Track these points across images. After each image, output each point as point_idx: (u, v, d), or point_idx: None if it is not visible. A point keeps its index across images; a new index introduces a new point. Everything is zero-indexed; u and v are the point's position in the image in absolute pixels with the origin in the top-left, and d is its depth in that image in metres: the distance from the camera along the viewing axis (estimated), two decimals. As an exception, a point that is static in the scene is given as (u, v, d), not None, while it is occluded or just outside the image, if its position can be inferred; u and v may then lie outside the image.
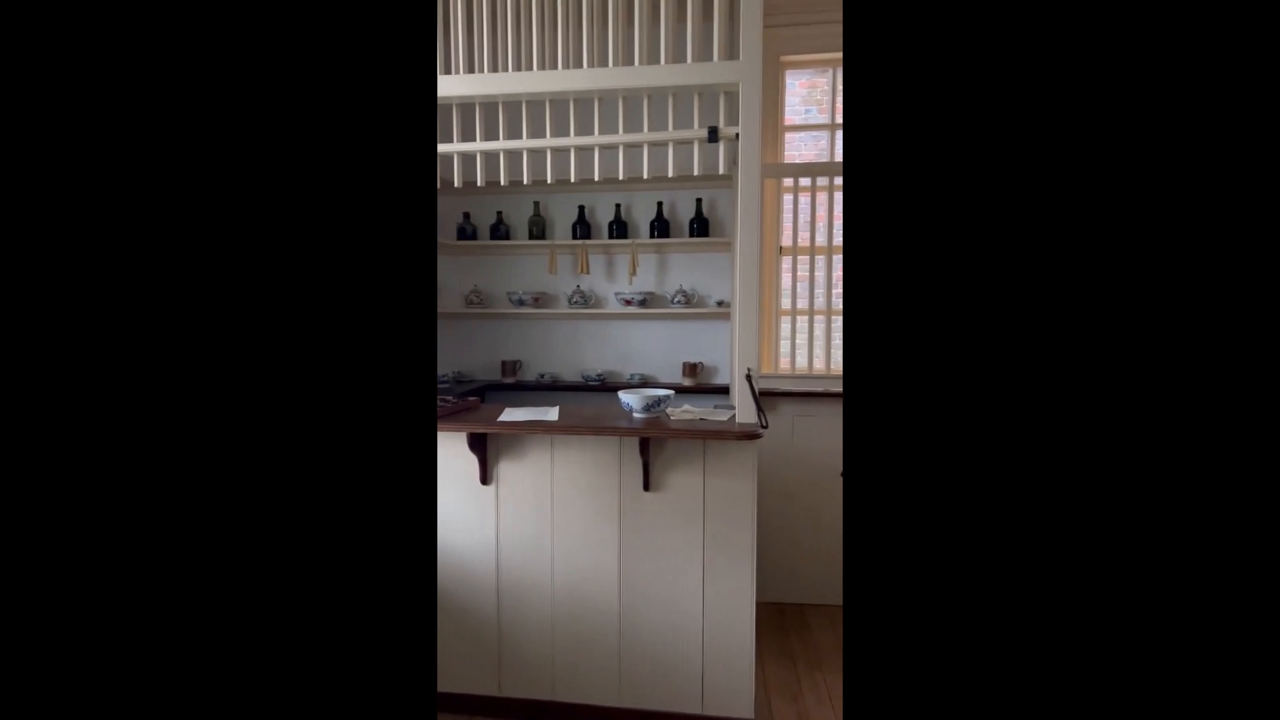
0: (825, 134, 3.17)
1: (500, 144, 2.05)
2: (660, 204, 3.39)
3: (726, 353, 3.39)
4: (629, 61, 1.98)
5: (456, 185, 2.12)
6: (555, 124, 2.05)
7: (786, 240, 3.04)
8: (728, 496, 1.91)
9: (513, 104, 2.09)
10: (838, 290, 3.00)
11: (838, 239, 2.99)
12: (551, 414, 2.02)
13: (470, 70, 2.05)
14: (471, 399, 2.26)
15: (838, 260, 3.00)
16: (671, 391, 2.06)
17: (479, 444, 1.97)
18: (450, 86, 2.01)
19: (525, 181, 2.08)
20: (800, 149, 3.21)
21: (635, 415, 1.99)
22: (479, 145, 2.06)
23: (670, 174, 2.01)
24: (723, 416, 1.97)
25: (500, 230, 3.52)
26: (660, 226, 3.38)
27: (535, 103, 2.08)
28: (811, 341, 3.05)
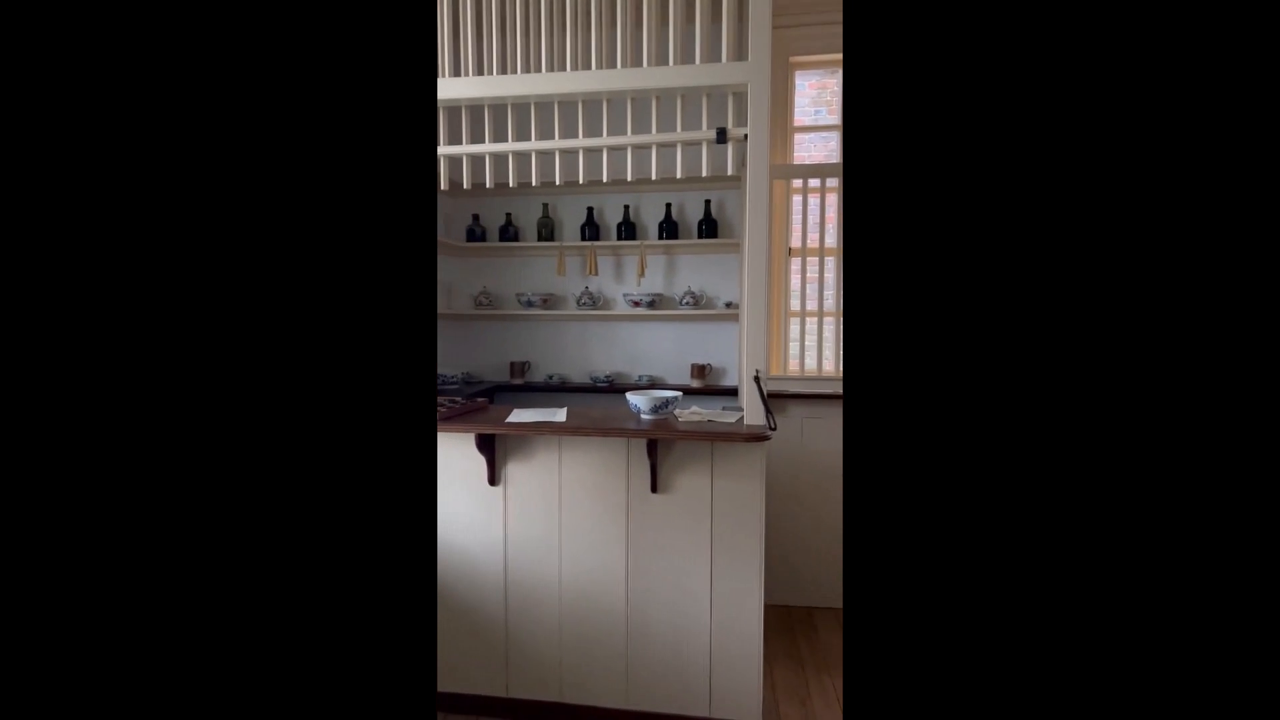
0: (835, 135, 3.15)
1: (509, 145, 2.06)
2: (669, 205, 3.39)
3: (735, 354, 3.38)
4: (637, 63, 1.98)
5: (466, 187, 2.12)
6: (564, 126, 2.06)
7: (795, 241, 3.03)
8: (736, 498, 1.90)
9: (521, 106, 2.10)
10: (847, 292, 2.98)
11: (847, 240, 2.97)
12: (559, 415, 2.02)
13: (479, 72, 2.05)
14: (480, 400, 2.27)
15: (847, 261, 2.98)
16: (679, 393, 2.06)
17: (487, 445, 1.97)
18: (459, 89, 2.02)
19: (534, 183, 2.08)
20: (809, 150, 3.20)
21: (643, 417, 1.98)
22: (488, 147, 2.07)
23: (679, 175, 2.01)
24: (731, 418, 1.96)
25: (509, 232, 3.53)
26: (669, 228, 3.38)
27: (544, 104, 2.08)
28: (821, 343, 3.04)
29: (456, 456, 2.03)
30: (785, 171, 2.95)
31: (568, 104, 2.07)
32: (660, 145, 1.98)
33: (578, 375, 3.59)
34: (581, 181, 2.05)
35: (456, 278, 3.70)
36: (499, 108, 2.11)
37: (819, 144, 3.20)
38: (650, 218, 3.47)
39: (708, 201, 3.35)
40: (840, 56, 3.03)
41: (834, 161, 3.12)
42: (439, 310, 3.45)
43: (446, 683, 2.07)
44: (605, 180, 2.04)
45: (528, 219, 3.56)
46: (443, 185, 2.17)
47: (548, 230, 3.50)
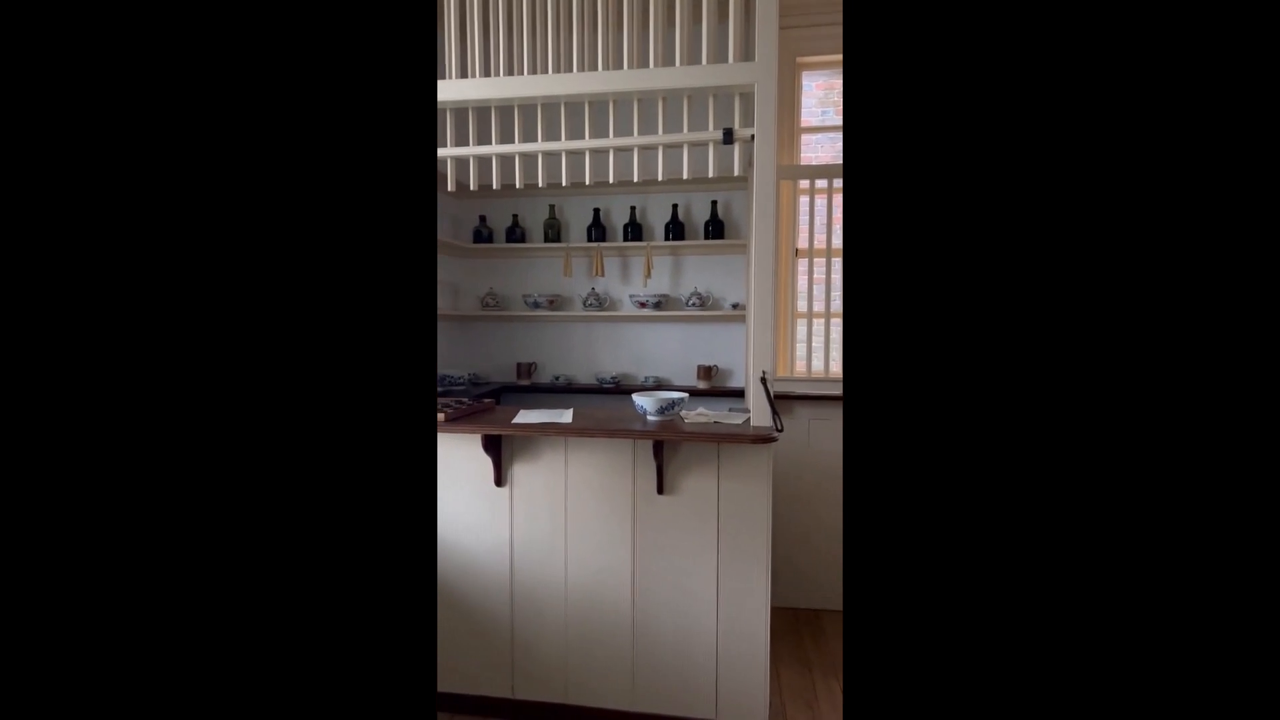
0: (841, 135, 3.14)
1: (516, 147, 2.06)
2: (675, 206, 3.39)
3: (741, 355, 3.37)
4: (644, 64, 1.98)
5: (472, 188, 2.13)
6: (570, 127, 2.06)
7: (802, 242, 3.02)
8: (742, 500, 1.89)
9: (528, 107, 2.10)
10: (854, 293, 2.97)
11: (854, 241, 2.96)
12: (566, 416, 2.02)
13: (486, 74, 2.06)
14: (486, 401, 2.27)
15: (854, 262, 2.97)
16: (685, 394, 2.06)
17: (493, 446, 1.97)
18: (466, 90, 2.02)
19: (540, 184, 2.08)
20: (816, 150, 3.19)
21: (649, 418, 1.98)
22: (495, 148, 2.07)
23: (685, 176, 2.01)
24: (737, 419, 1.95)
25: (516, 233, 3.54)
26: (675, 229, 3.38)
27: (550, 105, 2.08)
28: (828, 344, 3.03)
29: (463, 457, 2.03)
30: (792, 172, 2.94)
31: (574, 105, 2.07)
32: (666, 146, 1.98)
33: (584, 376, 3.59)
34: (588, 183, 2.05)
35: (463, 279, 3.71)
36: (505, 109, 2.11)
37: (826, 144, 3.19)
38: (656, 219, 3.46)
39: (714, 202, 3.35)
40: (847, 57, 3.02)
41: (841, 162, 3.11)
42: (446, 311, 3.46)
43: (452, 683, 2.08)
44: (611, 181, 2.04)
45: (534, 220, 3.57)
46: (450, 186, 2.17)
47: (554, 231, 3.50)
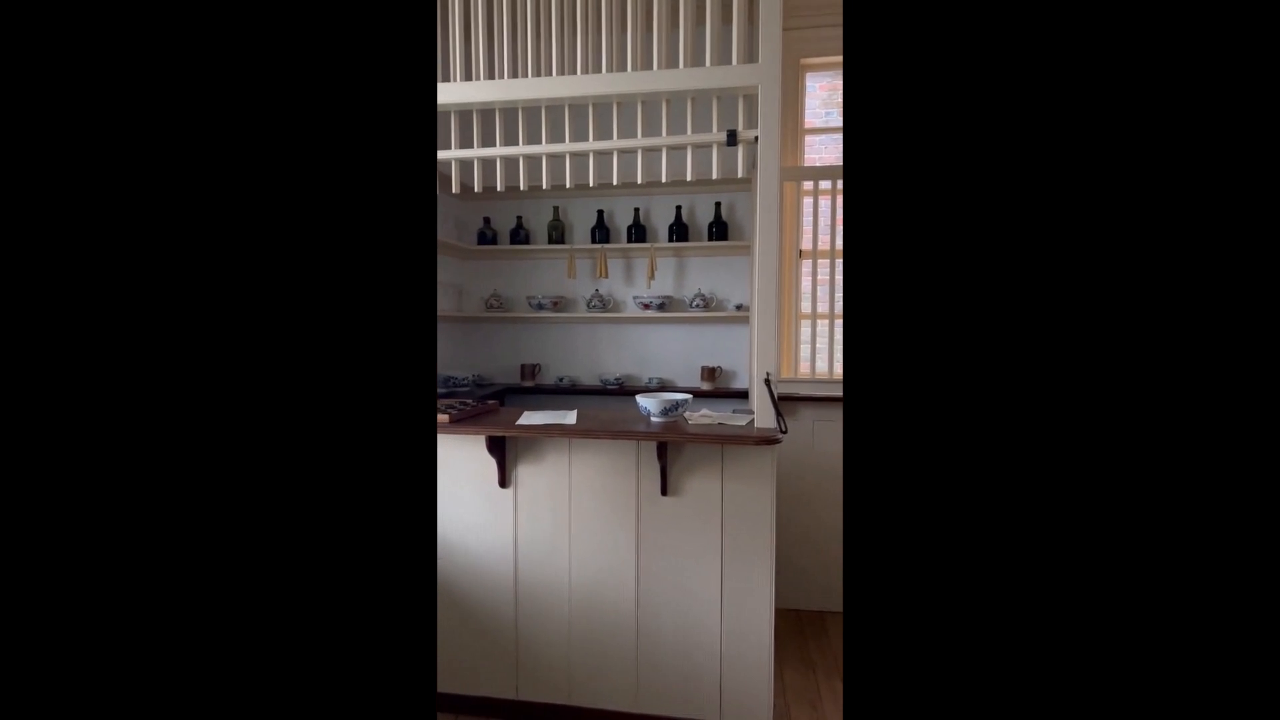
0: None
1: (519, 149, 2.07)
2: (679, 208, 3.39)
3: (745, 357, 3.37)
4: (647, 66, 1.98)
5: (477, 190, 2.13)
6: (574, 129, 2.06)
7: (806, 244, 3.02)
8: (746, 502, 1.89)
9: (532, 109, 2.10)
10: (858, 294, 2.97)
11: (858, 242, 2.95)
12: (570, 417, 2.02)
13: (490, 76, 2.06)
14: (491, 402, 2.28)
15: (858, 264, 2.96)
16: (689, 396, 2.06)
17: (498, 447, 1.98)
18: (470, 92, 2.03)
19: (544, 186, 2.09)
20: (820, 152, 3.19)
21: (653, 419, 1.98)
22: (499, 150, 2.08)
23: (689, 178, 2.01)
24: (741, 421, 1.95)
25: (520, 235, 3.55)
26: (679, 230, 3.38)
27: (554, 108, 2.09)
28: (832, 346, 3.02)
29: (467, 458, 2.04)
30: (796, 174, 2.94)
31: (578, 107, 2.07)
32: (670, 148, 1.98)
33: (588, 378, 3.59)
34: (592, 184, 2.05)
35: (468, 280, 3.71)
36: (509, 111, 2.12)
37: (830, 146, 3.18)
38: (660, 220, 3.47)
39: (718, 204, 3.35)
40: (851, 58, 3.02)
41: (845, 163, 3.10)
42: (450, 313, 3.47)
43: (456, 684, 2.08)
44: (615, 183, 2.05)
45: (538, 222, 3.57)
46: (454, 188, 2.18)
47: (558, 233, 3.51)
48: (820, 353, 3.02)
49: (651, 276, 3.42)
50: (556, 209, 3.53)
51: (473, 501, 2.05)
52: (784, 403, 2.02)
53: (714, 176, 1.95)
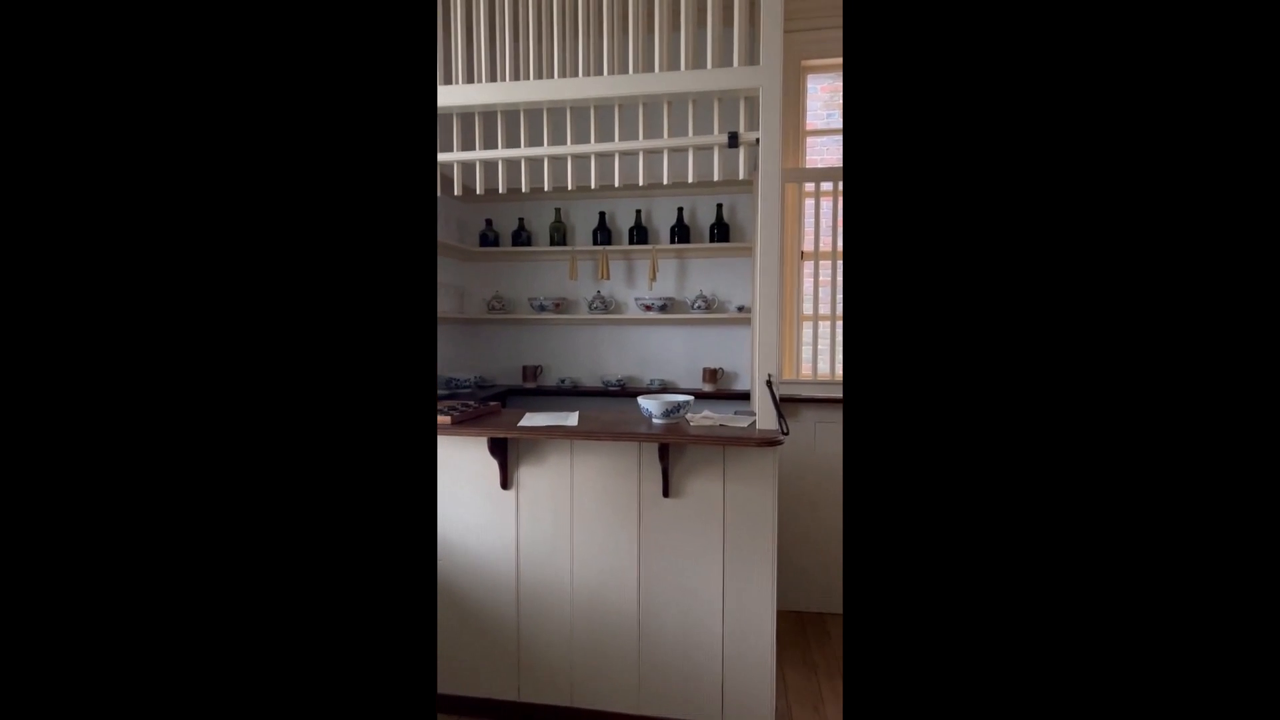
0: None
1: (521, 151, 2.07)
2: (680, 209, 3.39)
3: (747, 358, 3.37)
4: (649, 68, 1.99)
5: (479, 192, 2.14)
6: (576, 130, 2.06)
7: (808, 245, 3.02)
8: (748, 503, 1.89)
9: (534, 111, 2.11)
10: (860, 295, 2.96)
11: (860, 244, 2.95)
12: (571, 419, 2.02)
13: (492, 78, 2.07)
14: (492, 404, 2.28)
15: (860, 265, 2.96)
16: (691, 397, 2.06)
17: (499, 449, 1.98)
18: (472, 95, 2.03)
19: (546, 188, 2.09)
20: (822, 153, 3.19)
21: (655, 421, 1.98)
22: (501, 152, 2.08)
23: (690, 179, 2.01)
24: (743, 423, 1.95)
25: (522, 236, 3.55)
26: (680, 232, 3.38)
27: (556, 110, 2.09)
28: (834, 347, 3.02)
29: (469, 460, 2.04)
30: (797, 175, 2.94)
31: (580, 109, 2.08)
32: (672, 150, 1.99)
33: (589, 379, 3.60)
34: (594, 186, 2.05)
35: (469, 282, 3.72)
36: (511, 113, 2.12)
37: (831, 147, 3.19)
38: (662, 222, 3.47)
39: (719, 205, 3.35)
40: (853, 60, 3.02)
41: (846, 165, 3.10)
42: (452, 314, 3.47)
43: (458, 686, 2.08)
44: (617, 185, 2.05)
45: (540, 224, 3.58)
46: (456, 190, 2.18)
47: (560, 235, 3.51)
48: (822, 354, 3.02)
49: (653, 278, 3.42)
50: (558, 211, 3.53)
51: (474, 503, 2.05)
52: (786, 404, 2.03)
53: (715, 178, 1.95)
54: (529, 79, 2.02)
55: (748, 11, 1.89)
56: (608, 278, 3.49)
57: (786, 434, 1.85)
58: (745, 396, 3.23)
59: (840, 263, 3.00)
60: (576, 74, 2.01)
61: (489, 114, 2.16)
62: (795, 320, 3.02)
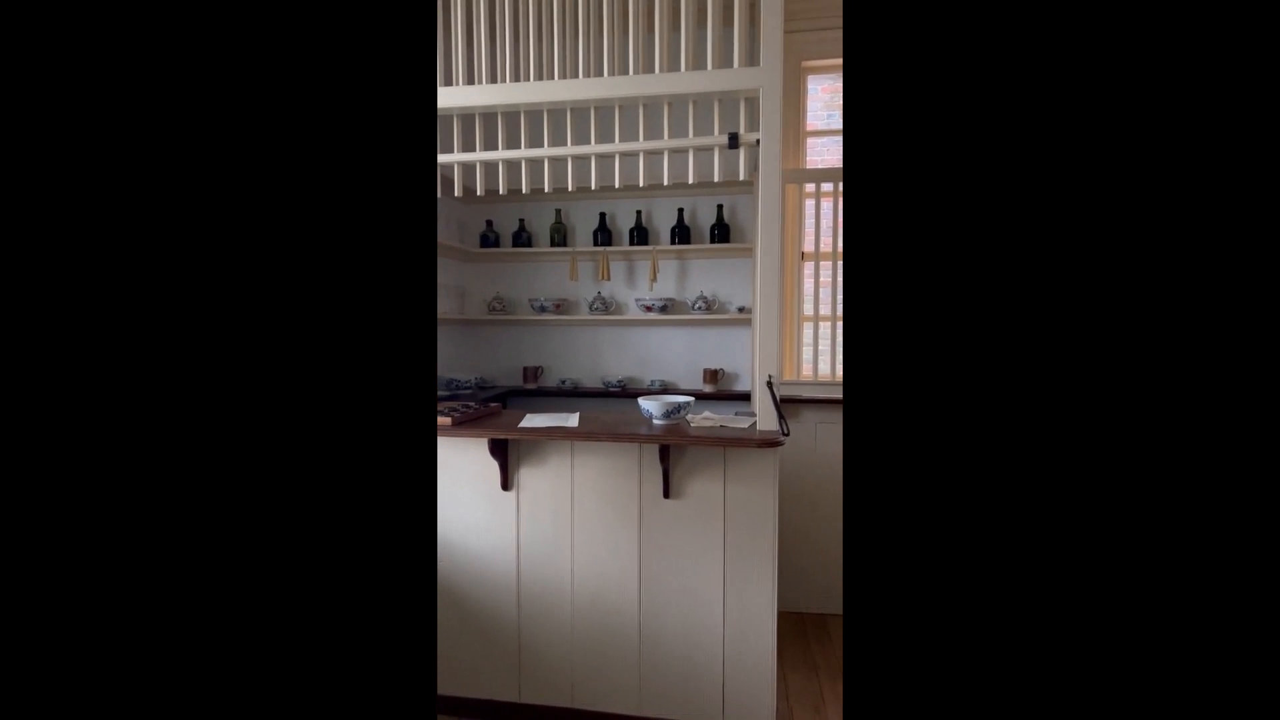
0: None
1: (522, 152, 2.07)
2: (681, 210, 3.39)
3: (747, 359, 3.37)
4: (649, 69, 1.99)
5: (479, 193, 2.14)
6: (576, 132, 2.06)
7: (809, 246, 3.02)
8: (748, 504, 1.89)
9: (534, 112, 2.11)
10: (861, 296, 2.96)
11: (860, 244, 2.95)
12: (572, 420, 2.02)
13: (492, 79, 2.07)
14: (493, 405, 2.28)
15: (860, 266, 2.96)
16: (691, 398, 2.06)
17: (500, 450, 1.98)
18: (473, 96, 2.03)
19: (546, 189, 2.09)
20: (822, 154, 3.19)
21: (655, 422, 1.98)
22: (501, 154, 2.08)
23: (691, 180, 2.01)
24: (743, 424, 1.95)
25: (522, 237, 3.55)
26: (681, 233, 3.38)
27: (556, 111, 2.09)
28: (834, 348, 3.02)
29: (469, 461, 2.04)
30: (798, 176, 2.94)
31: (580, 110, 2.08)
32: (672, 150, 1.99)
33: (590, 380, 3.60)
34: (594, 187, 2.05)
35: (470, 283, 3.72)
36: (511, 114, 2.12)
37: (831, 148, 3.19)
38: (662, 223, 3.47)
39: (720, 206, 3.35)
40: (853, 60, 3.02)
41: (847, 165, 3.10)
42: (452, 315, 3.47)
43: (459, 687, 2.08)
44: (618, 186, 2.05)
45: (541, 225, 3.58)
46: (457, 192, 2.19)
47: (560, 236, 3.51)
48: (823, 355, 3.02)
49: (653, 279, 3.42)
50: (559, 212, 3.53)
51: (475, 504, 2.05)
52: (786, 405, 2.03)
53: (716, 179, 1.95)
54: (529, 80, 2.02)
55: (748, 12, 1.89)
56: (608, 278, 3.49)
57: (787, 435, 1.85)
58: (746, 397, 3.23)
59: (840, 263, 3.00)
60: (577, 75, 2.01)
61: (489, 115, 2.16)
62: (795, 321, 3.02)
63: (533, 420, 2.03)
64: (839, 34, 2.95)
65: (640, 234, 3.43)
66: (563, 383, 3.54)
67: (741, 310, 3.37)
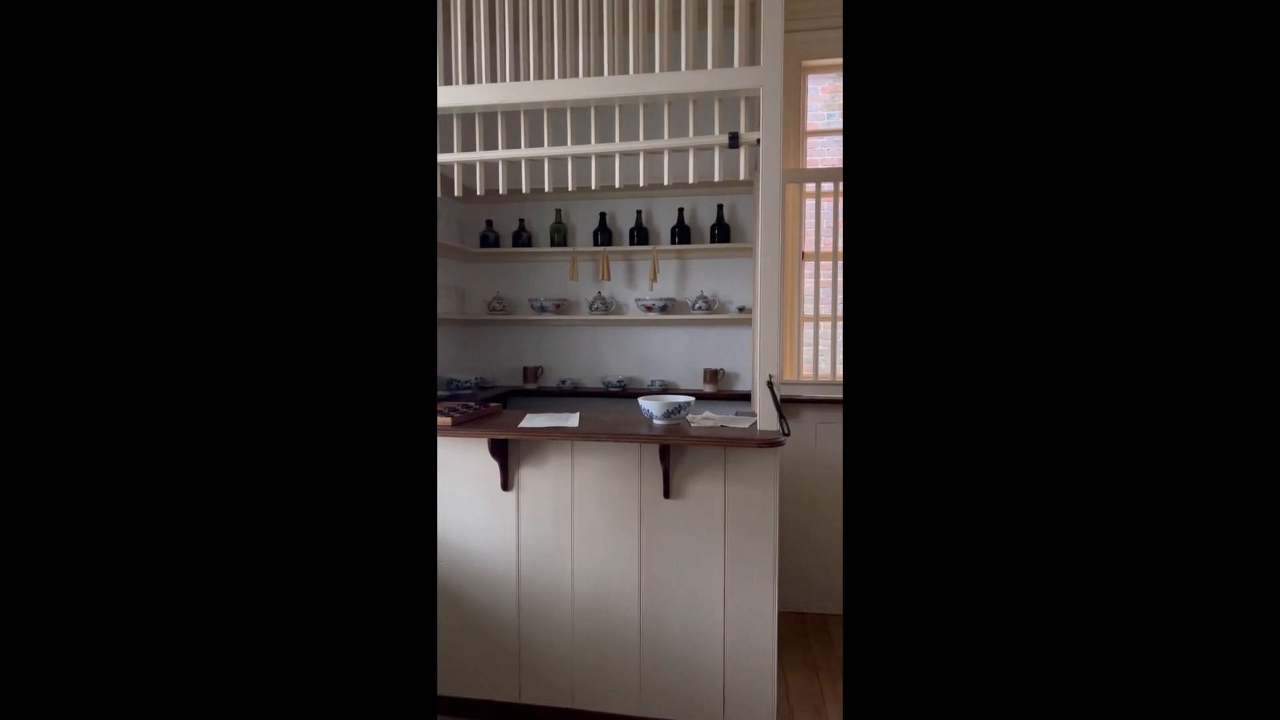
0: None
1: (522, 152, 2.07)
2: (681, 210, 3.39)
3: (748, 359, 3.37)
4: (649, 68, 1.99)
5: (479, 193, 2.13)
6: (576, 131, 2.06)
7: (809, 245, 3.02)
8: (749, 505, 1.89)
9: (534, 112, 2.11)
10: (861, 296, 2.96)
11: (861, 244, 2.95)
12: (572, 420, 2.02)
13: (492, 79, 2.07)
14: (493, 405, 2.28)
15: (861, 265, 2.96)
16: (692, 398, 2.05)
17: (500, 450, 1.98)
18: (472, 95, 2.03)
19: (546, 189, 2.09)
20: (822, 153, 3.19)
21: (655, 422, 1.98)
22: (501, 153, 2.08)
23: (691, 180, 2.01)
24: (744, 424, 1.95)
25: (522, 237, 3.55)
26: (681, 232, 3.38)
27: (556, 110, 2.09)
28: (834, 348, 3.02)
29: (469, 461, 2.04)
30: (798, 175, 2.94)
31: (580, 109, 2.08)
32: (672, 150, 1.98)
33: (590, 380, 3.59)
34: (594, 187, 2.05)
35: (470, 283, 3.72)
36: (511, 114, 2.12)
37: (832, 148, 3.18)
38: (663, 222, 3.47)
39: (720, 206, 3.35)
40: (853, 60, 3.01)
41: (847, 165, 3.09)
42: (452, 315, 3.47)
43: (459, 687, 2.08)
44: (618, 185, 2.05)
45: (541, 224, 3.58)
46: (456, 191, 2.18)
47: (560, 236, 3.51)
48: (823, 355, 3.01)
49: (654, 279, 3.42)
50: (559, 211, 3.53)
51: (475, 504, 2.05)
52: (787, 405, 2.02)
53: (716, 179, 1.95)
54: (529, 79, 2.02)
55: (748, 11, 1.89)
56: (608, 278, 3.49)
57: (787, 435, 1.85)
58: (746, 397, 3.22)
59: (840, 263, 3.00)
60: (577, 74, 2.01)
61: (489, 115, 2.15)
62: (796, 321, 3.01)
63: (533, 420, 2.02)
64: (839, 34, 2.95)
65: (640, 234, 3.43)
66: (563, 383, 3.54)
67: (742, 310, 3.37)
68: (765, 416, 1.89)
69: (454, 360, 3.62)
